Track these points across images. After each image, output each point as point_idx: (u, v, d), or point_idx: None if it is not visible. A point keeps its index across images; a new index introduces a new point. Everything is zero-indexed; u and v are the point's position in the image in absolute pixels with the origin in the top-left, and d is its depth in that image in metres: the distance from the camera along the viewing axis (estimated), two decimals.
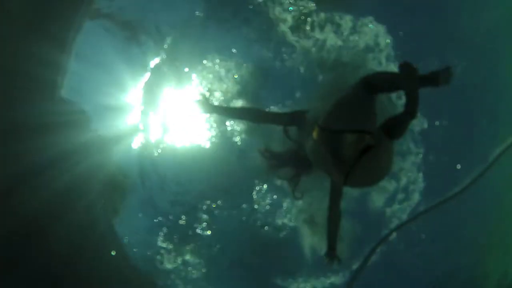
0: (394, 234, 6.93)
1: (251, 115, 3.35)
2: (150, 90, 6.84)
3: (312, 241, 6.91)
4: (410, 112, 2.33)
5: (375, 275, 7.30)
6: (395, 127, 2.35)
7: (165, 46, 6.72)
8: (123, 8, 6.31)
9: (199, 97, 3.26)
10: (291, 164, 3.11)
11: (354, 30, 6.12)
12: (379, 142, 2.25)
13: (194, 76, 6.74)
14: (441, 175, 7.00)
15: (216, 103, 3.22)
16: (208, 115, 3.38)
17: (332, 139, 2.26)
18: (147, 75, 6.83)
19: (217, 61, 6.60)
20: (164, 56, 6.77)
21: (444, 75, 2.53)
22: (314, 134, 2.44)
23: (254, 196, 7.40)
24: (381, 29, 6.18)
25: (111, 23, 6.34)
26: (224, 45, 6.57)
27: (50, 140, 5.11)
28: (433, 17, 6.45)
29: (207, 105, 3.26)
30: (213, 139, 6.95)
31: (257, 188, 7.24)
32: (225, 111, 3.52)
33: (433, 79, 2.53)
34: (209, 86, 6.61)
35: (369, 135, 2.20)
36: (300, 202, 6.46)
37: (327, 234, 3.19)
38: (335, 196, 3.08)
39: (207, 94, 3.27)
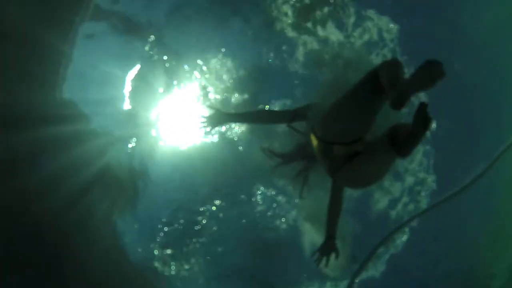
0: (396, 234, 6.92)
1: (259, 117, 3.42)
2: (149, 88, 6.82)
3: (314, 240, 6.87)
4: (404, 149, 2.21)
5: (376, 275, 7.30)
6: (400, 142, 2.25)
7: (165, 45, 6.72)
8: (123, 7, 6.32)
9: (210, 111, 3.19)
10: (299, 158, 3.18)
11: (357, 24, 6.02)
12: (371, 148, 2.43)
13: (193, 74, 6.74)
14: (441, 175, 7.00)
15: (225, 112, 3.26)
16: (219, 127, 3.39)
17: (324, 145, 2.61)
18: (146, 74, 6.82)
19: (216, 59, 6.59)
20: (164, 56, 6.77)
21: (430, 72, 2.09)
22: (311, 138, 2.74)
23: (257, 199, 7.40)
24: (384, 22, 6.12)
25: (111, 22, 6.35)
26: (224, 43, 6.56)
27: (50, 140, 5.10)
28: (434, 17, 6.45)
29: (219, 117, 3.24)
30: (214, 141, 6.95)
31: (259, 190, 7.23)
32: (234, 119, 3.47)
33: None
34: (207, 83, 6.60)
35: (358, 143, 2.47)
36: (302, 201, 6.42)
37: (326, 222, 3.11)
38: (336, 190, 3.13)
39: (216, 106, 3.27)
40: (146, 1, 6.55)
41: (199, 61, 6.75)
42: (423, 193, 7.09)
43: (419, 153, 6.94)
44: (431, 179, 7.09)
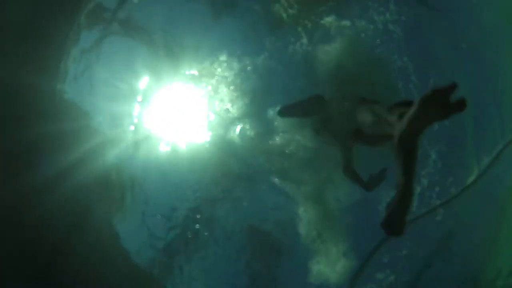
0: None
1: None
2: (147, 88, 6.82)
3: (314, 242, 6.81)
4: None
5: (377, 275, 7.27)
6: None
7: (166, 46, 6.74)
8: (124, 8, 6.34)
9: None
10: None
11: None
12: None
13: (196, 75, 6.75)
14: (443, 174, 6.96)
15: None
16: None
17: None
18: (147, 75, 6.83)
19: (219, 61, 6.59)
20: (165, 56, 6.78)
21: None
22: None
23: (258, 200, 7.38)
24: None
25: (112, 23, 6.37)
26: (227, 43, 6.56)
27: (49, 139, 5.10)
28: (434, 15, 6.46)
29: None
30: (215, 139, 6.95)
31: (261, 191, 7.20)
32: None
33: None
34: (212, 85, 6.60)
35: None
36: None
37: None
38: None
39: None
40: (147, 3, 6.59)
41: (201, 62, 6.75)
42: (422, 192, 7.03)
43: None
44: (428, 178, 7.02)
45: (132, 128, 6.87)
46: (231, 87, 6.64)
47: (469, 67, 6.54)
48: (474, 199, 6.63)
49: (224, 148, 6.92)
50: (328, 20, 5.85)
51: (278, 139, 6.04)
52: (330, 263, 6.67)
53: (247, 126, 6.61)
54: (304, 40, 6.11)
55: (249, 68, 6.48)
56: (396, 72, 5.93)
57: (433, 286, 7.42)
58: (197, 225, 7.50)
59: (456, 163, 6.89)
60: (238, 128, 6.73)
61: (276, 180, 6.36)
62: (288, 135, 5.79)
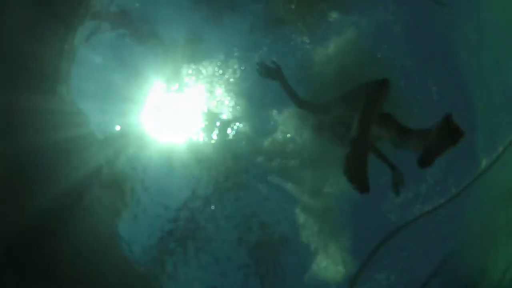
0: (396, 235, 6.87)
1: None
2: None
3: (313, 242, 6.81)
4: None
5: (376, 275, 7.26)
6: None
7: (165, 46, 6.73)
8: (124, 8, 6.33)
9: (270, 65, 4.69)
10: None
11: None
12: None
13: (192, 75, 6.74)
14: (444, 173, 6.95)
15: (280, 72, 4.76)
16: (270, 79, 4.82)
17: None
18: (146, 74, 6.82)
19: (219, 60, 6.57)
20: (165, 56, 6.77)
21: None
22: None
23: (256, 199, 7.37)
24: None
25: (111, 23, 6.36)
26: (227, 42, 6.55)
27: (49, 140, 5.09)
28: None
29: (274, 73, 4.64)
30: (213, 139, 6.93)
31: (260, 188, 7.19)
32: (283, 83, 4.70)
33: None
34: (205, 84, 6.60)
35: None
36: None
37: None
38: None
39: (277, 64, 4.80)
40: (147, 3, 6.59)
41: (201, 62, 6.73)
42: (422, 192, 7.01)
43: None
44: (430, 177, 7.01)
45: (128, 127, 6.86)
46: (230, 87, 6.64)
47: (471, 66, 6.52)
48: (475, 198, 6.63)
49: (223, 148, 6.91)
50: (331, 17, 5.83)
51: (277, 139, 6.04)
52: (330, 263, 6.68)
53: (247, 126, 6.62)
54: (305, 39, 6.08)
55: (248, 67, 6.48)
56: (396, 71, 5.92)
57: (433, 287, 7.41)
58: (197, 224, 7.49)
59: (457, 162, 6.87)
60: (237, 128, 6.74)
61: (275, 179, 6.36)
62: (287, 135, 5.78)
